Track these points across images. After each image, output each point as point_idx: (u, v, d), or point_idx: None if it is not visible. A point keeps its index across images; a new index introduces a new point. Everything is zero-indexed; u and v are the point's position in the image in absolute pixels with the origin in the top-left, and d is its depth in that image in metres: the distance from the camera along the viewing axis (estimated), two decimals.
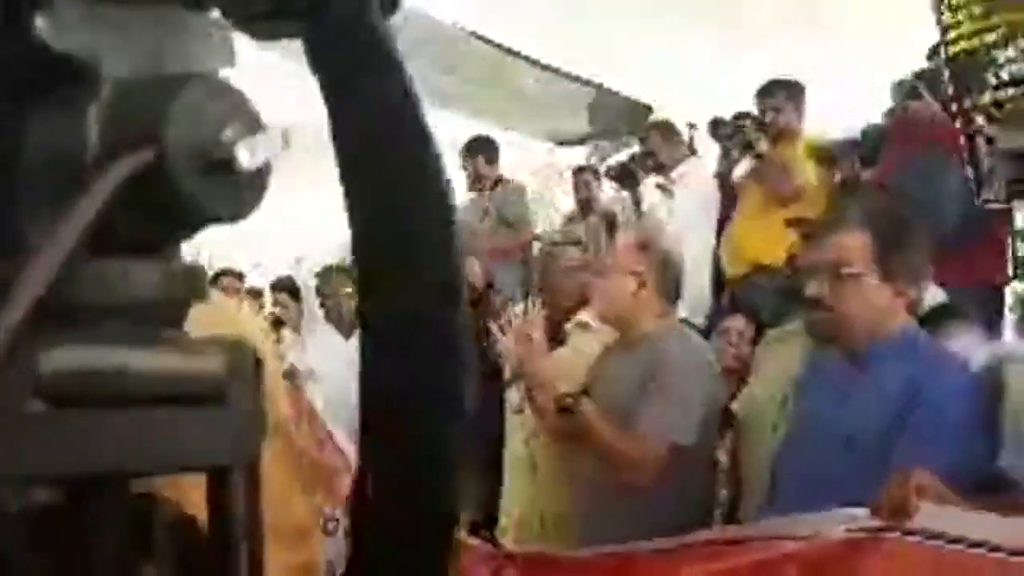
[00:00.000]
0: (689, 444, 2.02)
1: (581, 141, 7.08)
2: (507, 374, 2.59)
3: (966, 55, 2.40)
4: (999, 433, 1.55)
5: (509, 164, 5.06)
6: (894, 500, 1.32)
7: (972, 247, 2.86)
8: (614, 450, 2.02)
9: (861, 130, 3.64)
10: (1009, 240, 2.99)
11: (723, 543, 1.61)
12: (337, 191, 0.36)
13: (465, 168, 4.53)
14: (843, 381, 1.74)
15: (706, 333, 2.98)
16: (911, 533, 1.31)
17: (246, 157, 0.31)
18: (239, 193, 0.33)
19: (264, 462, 0.35)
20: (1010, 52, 2.24)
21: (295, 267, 5.64)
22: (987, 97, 2.32)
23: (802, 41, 4.92)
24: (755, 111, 3.76)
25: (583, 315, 2.59)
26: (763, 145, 3.44)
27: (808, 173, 3.41)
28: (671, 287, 2.24)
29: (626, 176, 4.01)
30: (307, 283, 4.07)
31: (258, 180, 0.34)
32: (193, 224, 0.33)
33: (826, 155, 3.57)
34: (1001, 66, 2.26)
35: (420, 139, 0.36)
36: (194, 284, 0.35)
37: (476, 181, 4.54)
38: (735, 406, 2.42)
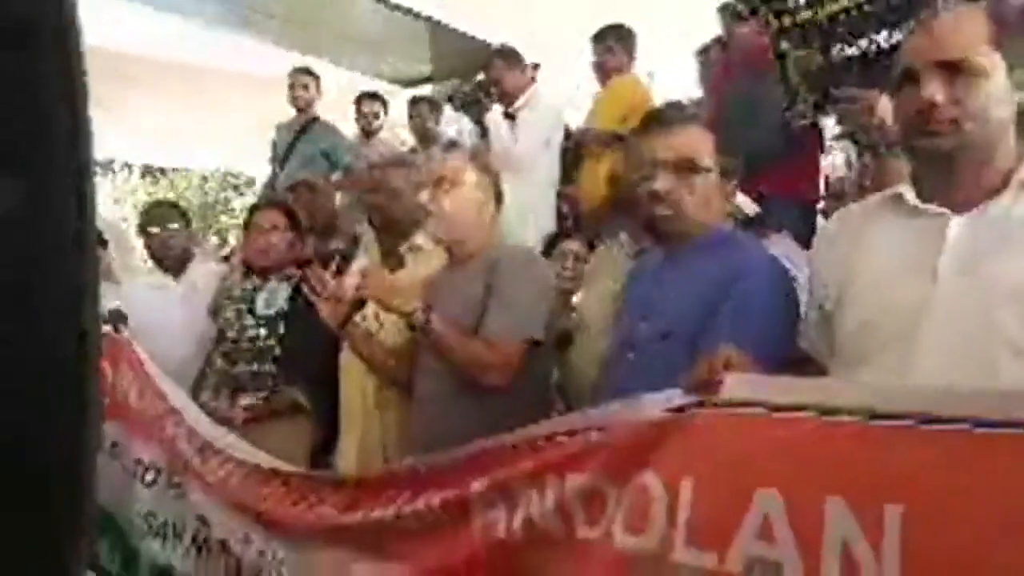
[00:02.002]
0: (541, 339, 2.05)
1: (426, 81, 6.97)
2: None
3: None
4: (799, 317, 1.63)
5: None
6: (702, 374, 1.35)
7: (790, 163, 3.00)
8: (469, 356, 2.02)
9: (694, 53, 3.76)
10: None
11: (535, 440, 1.61)
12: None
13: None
14: (664, 278, 1.78)
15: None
16: (721, 406, 1.35)
17: None
18: None
19: None
20: None
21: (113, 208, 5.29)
22: (786, 19, 2.41)
23: None
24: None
25: (416, 239, 2.54)
26: None
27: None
28: (498, 202, 2.25)
29: (471, 103, 3.96)
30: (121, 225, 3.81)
31: None
32: None
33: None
34: None
35: None
36: None
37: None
38: (569, 321, 2.45)
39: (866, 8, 2.15)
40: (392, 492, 1.86)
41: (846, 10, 2.16)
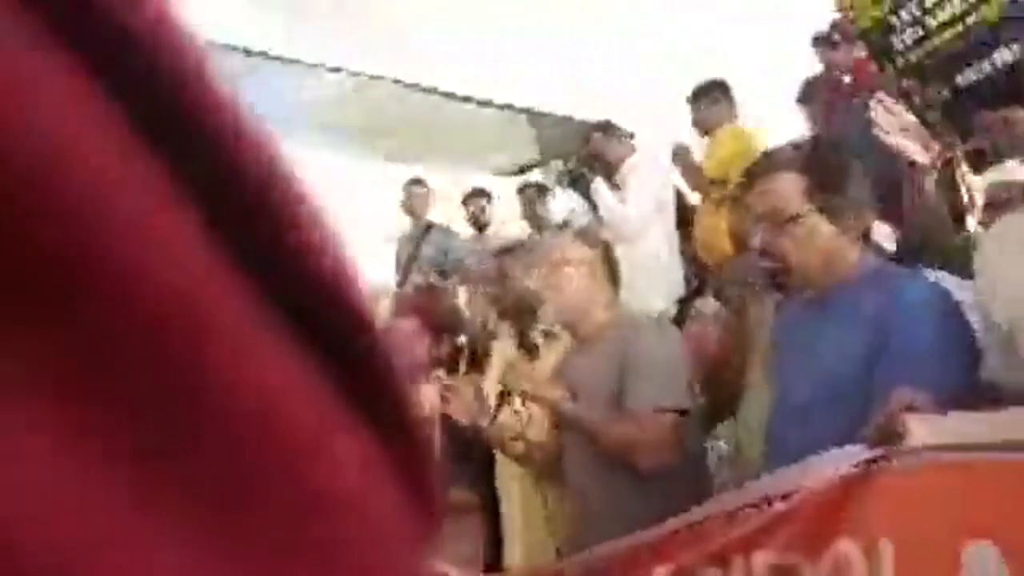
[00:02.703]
0: (689, 407, 1.99)
1: (534, 166, 7.11)
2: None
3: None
4: (976, 345, 1.50)
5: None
6: (883, 424, 1.25)
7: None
8: (621, 441, 1.95)
9: (797, 96, 3.67)
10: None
11: (712, 520, 1.53)
12: None
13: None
14: (814, 328, 1.69)
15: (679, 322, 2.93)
16: (911, 454, 1.25)
17: None
18: None
19: None
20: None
21: None
22: (899, 60, 2.35)
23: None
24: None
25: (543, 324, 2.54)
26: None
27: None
28: (613, 272, 2.21)
29: (577, 180, 4.00)
30: None
31: None
32: None
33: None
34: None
35: None
36: None
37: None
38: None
39: (973, 32, 2.06)
40: None
41: (959, 36, 2.08)
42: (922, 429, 1.23)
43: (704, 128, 3.97)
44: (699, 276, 3.85)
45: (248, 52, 5.10)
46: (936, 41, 2.16)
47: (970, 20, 2.10)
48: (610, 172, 4.03)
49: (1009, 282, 1.36)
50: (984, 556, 1.10)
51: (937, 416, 1.24)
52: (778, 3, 4.37)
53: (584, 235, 2.26)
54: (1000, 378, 1.43)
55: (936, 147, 2.09)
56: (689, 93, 4.04)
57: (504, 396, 2.24)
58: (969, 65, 2.13)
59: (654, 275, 3.68)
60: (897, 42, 2.39)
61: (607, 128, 4.19)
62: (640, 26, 5.41)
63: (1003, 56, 2.06)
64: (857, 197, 1.66)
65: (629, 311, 2.25)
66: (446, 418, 2.79)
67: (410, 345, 2.98)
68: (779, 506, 1.41)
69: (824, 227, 1.63)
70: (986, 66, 2.08)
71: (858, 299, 1.59)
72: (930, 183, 2.12)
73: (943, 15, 2.15)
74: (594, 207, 3.98)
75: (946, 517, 1.18)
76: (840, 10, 2.87)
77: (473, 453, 2.64)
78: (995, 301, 1.40)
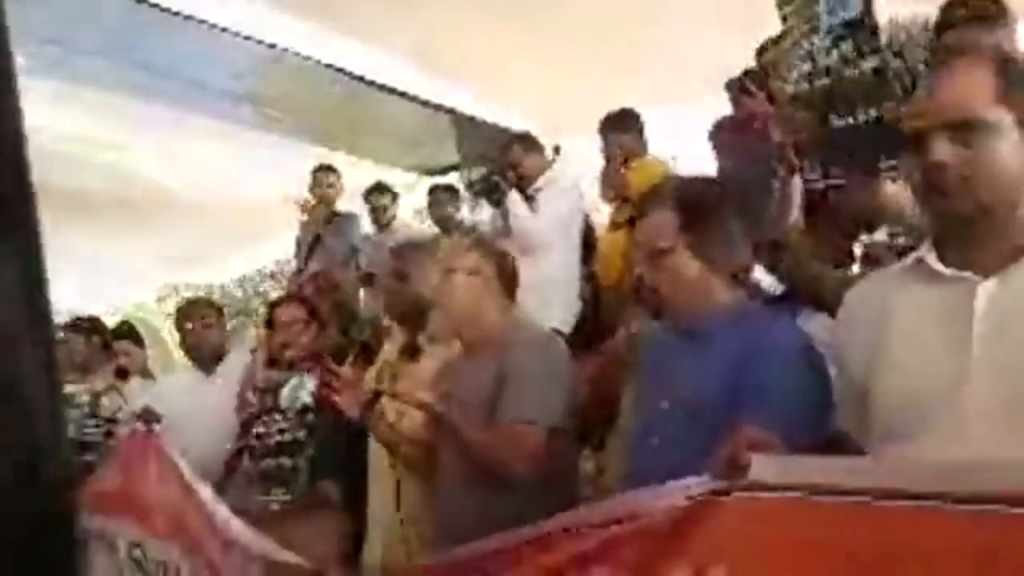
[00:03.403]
0: (558, 425, 1.99)
1: (452, 169, 7.10)
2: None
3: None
4: (831, 395, 1.56)
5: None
6: (727, 458, 1.28)
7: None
8: (489, 449, 1.96)
9: (708, 131, 3.77)
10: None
11: (555, 536, 1.54)
12: None
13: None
14: (680, 358, 1.73)
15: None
16: (751, 489, 1.28)
17: None
18: None
19: None
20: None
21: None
22: (789, 89, 2.42)
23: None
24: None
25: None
26: None
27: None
28: (509, 282, 2.20)
29: (492, 190, 4.00)
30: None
31: None
32: None
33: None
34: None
35: None
36: None
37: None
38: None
39: (864, 81, 2.15)
40: None
41: (843, 80, 2.17)
42: (765, 466, 1.26)
43: (609, 156, 4.01)
44: (595, 297, 3.90)
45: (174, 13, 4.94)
46: (823, 80, 2.24)
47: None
48: (526, 183, 4.05)
49: (863, 345, 1.41)
50: None
51: (780, 456, 1.28)
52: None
53: (481, 243, 2.24)
54: (852, 430, 1.49)
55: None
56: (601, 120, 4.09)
57: (377, 395, 2.21)
58: (845, 110, 2.21)
59: (553, 292, 3.72)
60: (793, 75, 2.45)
61: (527, 139, 4.20)
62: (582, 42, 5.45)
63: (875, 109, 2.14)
64: (727, 236, 1.72)
65: (520, 322, 2.24)
66: (321, 409, 2.75)
67: (292, 332, 2.93)
68: (618, 528, 1.43)
69: (692, 263, 1.70)
70: (860, 115, 2.17)
71: (722, 336, 1.65)
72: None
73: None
74: (504, 216, 3.99)
75: (776, 553, 1.22)
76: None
77: (343, 446, 2.60)
78: (852, 359, 1.45)
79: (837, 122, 2.18)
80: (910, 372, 1.32)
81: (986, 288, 1.27)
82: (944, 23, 2.37)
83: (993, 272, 1.28)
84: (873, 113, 2.13)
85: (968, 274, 1.30)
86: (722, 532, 1.30)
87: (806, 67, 2.32)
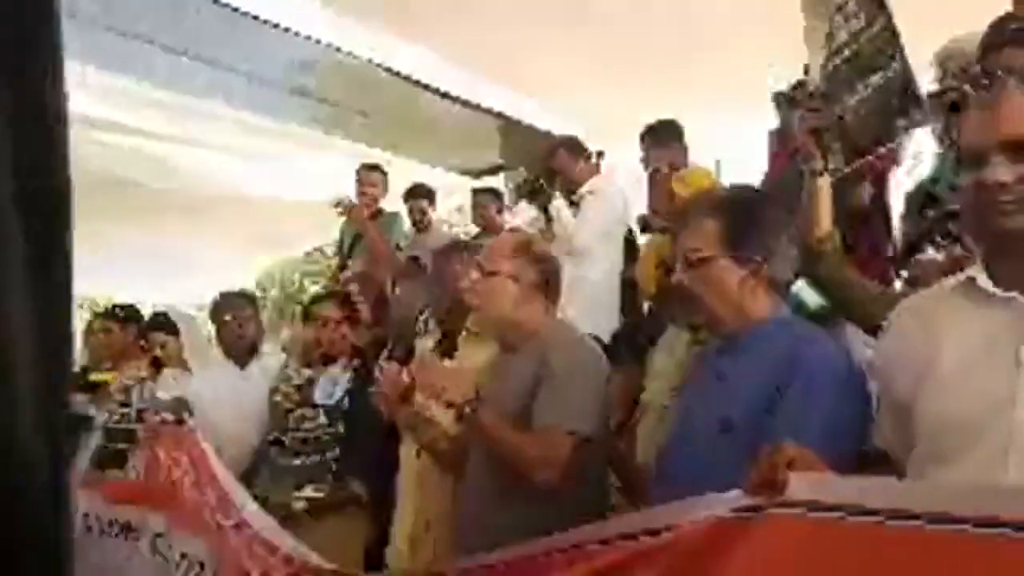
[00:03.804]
0: (592, 435, 1.95)
1: (497, 171, 7.12)
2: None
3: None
4: (869, 413, 1.52)
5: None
6: (763, 475, 1.25)
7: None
8: (517, 451, 1.93)
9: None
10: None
11: (590, 544, 1.52)
12: None
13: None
14: (722, 368, 1.71)
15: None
16: (787, 507, 1.25)
17: None
18: None
19: None
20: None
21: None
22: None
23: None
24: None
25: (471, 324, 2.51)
26: None
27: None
28: (551, 286, 2.18)
29: (537, 192, 3.98)
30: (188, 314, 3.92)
31: None
32: None
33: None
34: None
35: None
36: None
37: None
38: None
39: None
40: None
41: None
42: (802, 485, 1.23)
43: (654, 169, 3.95)
44: (635, 307, 3.86)
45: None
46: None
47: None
48: (571, 189, 4.03)
49: (910, 362, 1.38)
50: None
51: (819, 475, 1.25)
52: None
53: (522, 247, 2.21)
54: (892, 448, 1.45)
55: None
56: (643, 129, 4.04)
57: (409, 391, 2.21)
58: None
59: (595, 299, 3.69)
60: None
61: (572, 145, 4.18)
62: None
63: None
64: (770, 245, 1.69)
65: (560, 325, 2.21)
66: (355, 407, 2.76)
67: (328, 329, 2.95)
68: (649, 540, 1.41)
69: (733, 272, 1.67)
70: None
71: (762, 349, 1.62)
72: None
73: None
74: (548, 220, 3.98)
75: (809, 570, 1.19)
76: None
77: (375, 446, 2.61)
78: (897, 377, 1.41)
79: (849, 101, 2.08)
80: (957, 392, 1.28)
81: None
82: (995, 41, 2.30)
83: None
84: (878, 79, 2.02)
85: (1019, 295, 1.26)
86: (757, 551, 1.27)
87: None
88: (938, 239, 2.18)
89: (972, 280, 1.33)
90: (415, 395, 2.25)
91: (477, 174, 7.33)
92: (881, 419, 1.48)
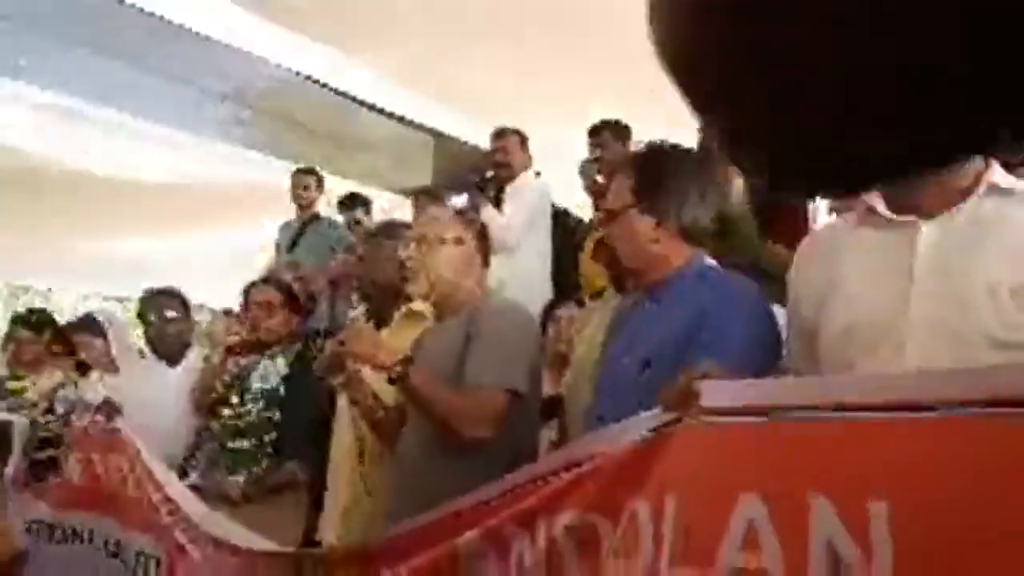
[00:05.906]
0: (523, 391, 1.99)
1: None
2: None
3: None
4: (780, 337, 1.61)
5: None
6: (679, 388, 1.32)
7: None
8: (449, 409, 1.95)
9: None
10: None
11: (520, 488, 1.57)
12: None
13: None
14: (643, 316, 1.78)
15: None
16: (703, 415, 1.30)
17: None
18: None
19: None
20: None
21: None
22: None
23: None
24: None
25: (412, 305, 2.54)
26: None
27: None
28: (486, 256, 2.24)
29: (479, 183, 4.12)
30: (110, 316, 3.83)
31: None
32: None
33: None
34: None
35: None
36: None
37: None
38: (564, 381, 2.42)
39: None
40: (376, 563, 1.81)
41: None
42: (717, 393, 1.29)
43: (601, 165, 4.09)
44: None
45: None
46: None
47: None
48: (507, 176, 4.19)
49: (814, 283, 1.47)
50: (753, 508, 1.16)
51: (729, 381, 1.31)
52: None
53: (461, 214, 2.28)
54: (797, 367, 1.53)
55: None
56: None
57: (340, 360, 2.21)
58: None
59: (525, 290, 3.76)
60: None
61: (522, 136, 4.33)
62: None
63: None
64: (679, 194, 1.75)
65: (491, 291, 2.26)
66: (291, 391, 2.75)
67: (265, 313, 2.94)
68: (579, 470, 1.46)
69: (644, 222, 1.74)
70: None
71: (681, 291, 1.70)
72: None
73: None
74: (476, 208, 4.07)
75: (721, 474, 1.25)
76: None
77: (310, 429, 2.61)
78: (803, 298, 1.50)
79: None
80: (855, 301, 1.38)
81: (929, 228, 1.33)
82: None
83: (936, 214, 1.34)
84: None
85: (913, 218, 1.36)
86: (673, 462, 1.32)
87: None
88: None
89: (871, 208, 1.43)
90: (341, 367, 2.25)
91: (411, 193, 7.37)
92: (791, 344, 1.57)
